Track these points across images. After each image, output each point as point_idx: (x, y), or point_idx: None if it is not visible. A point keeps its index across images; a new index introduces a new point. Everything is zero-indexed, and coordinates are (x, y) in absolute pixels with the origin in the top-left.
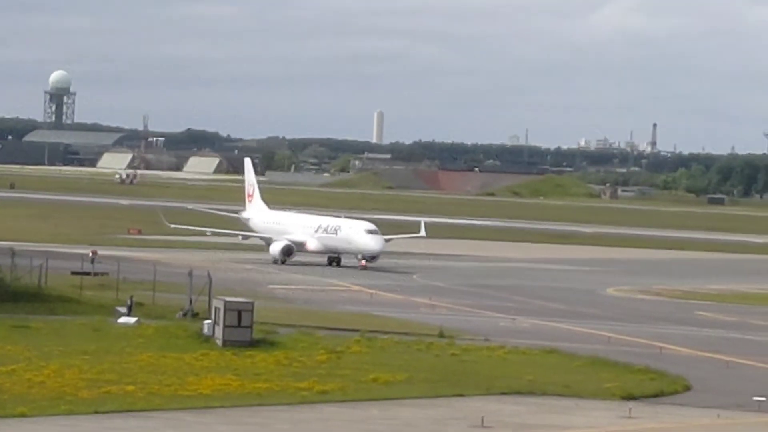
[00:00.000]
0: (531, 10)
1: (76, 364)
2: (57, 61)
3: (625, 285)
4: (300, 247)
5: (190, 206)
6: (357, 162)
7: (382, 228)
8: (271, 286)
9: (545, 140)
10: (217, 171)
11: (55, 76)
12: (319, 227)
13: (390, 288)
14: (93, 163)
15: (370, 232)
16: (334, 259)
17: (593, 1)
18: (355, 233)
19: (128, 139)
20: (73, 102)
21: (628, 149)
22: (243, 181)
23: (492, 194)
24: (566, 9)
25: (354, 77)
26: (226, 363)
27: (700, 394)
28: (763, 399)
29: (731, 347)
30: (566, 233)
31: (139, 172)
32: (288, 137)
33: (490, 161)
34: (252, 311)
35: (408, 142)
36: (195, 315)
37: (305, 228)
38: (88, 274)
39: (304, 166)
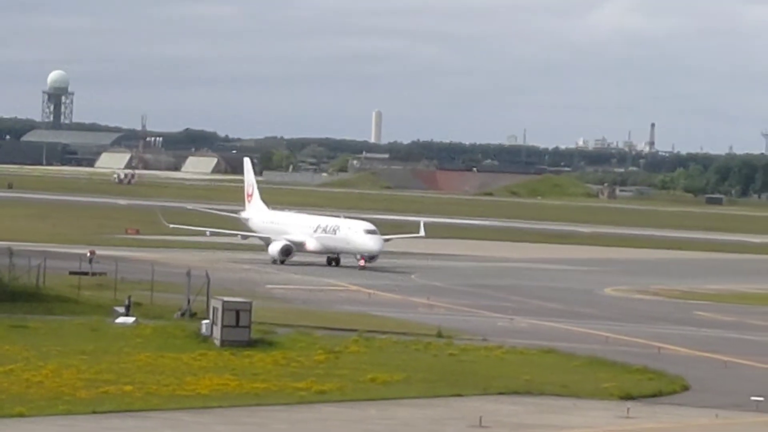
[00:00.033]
0: (529, 10)
1: (74, 364)
2: (55, 61)
3: (623, 285)
4: (299, 247)
5: (189, 206)
6: (355, 162)
7: (381, 228)
8: (269, 286)
9: (543, 140)
10: (215, 171)
11: (54, 75)
12: (318, 227)
13: (388, 288)
14: (91, 163)
15: (369, 232)
16: (333, 259)
17: (592, 1)
18: (354, 233)
19: (126, 138)
20: (71, 102)
21: (626, 149)
22: (241, 181)
23: (490, 194)
24: (565, 9)
25: (352, 77)
26: (224, 363)
27: (699, 394)
28: (761, 399)
29: (729, 347)
30: (564, 233)
31: (137, 172)
32: (286, 137)
33: (488, 161)
34: (250, 311)
35: (406, 141)
36: (193, 315)
37: (304, 228)
38: (86, 274)
39: (303, 166)
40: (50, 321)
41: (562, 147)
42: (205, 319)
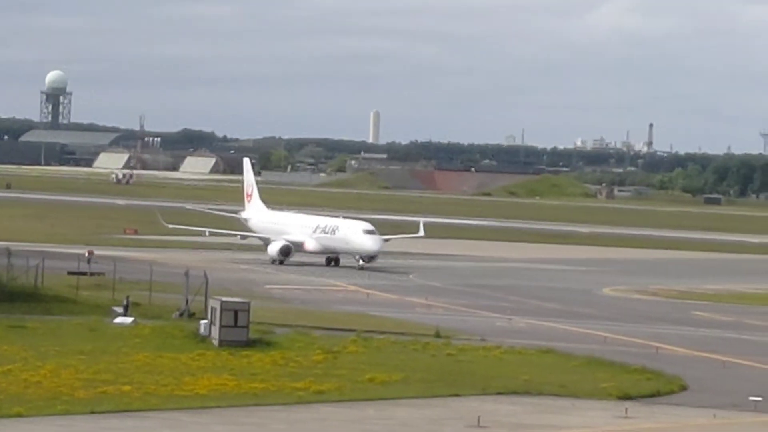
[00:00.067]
0: (527, 10)
1: (73, 364)
2: (53, 61)
3: (622, 285)
4: (298, 247)
5: (189, 206)
6: (353, 162)
7: (379, 228)
8: (267, 286)
9: (541, 140)
10: (213, 171)
11: (52, 76)
12: (317, 227)
13: (386, 288)
14: (89, 163)
15: (368, 232)
16: (332, 259)
17: (590, 1)
18: (353, 233)
19: (124, 139)
20: (70, 102)
21: (625, 149)
22: (239, 181)
23: (488, 194)
24: (563, 9)
25: (350, 77)
26: (222, 363)
27: (697, 394)
28: (759, 399)
29: (728, 347)
30: (562, 233)
31: (135, 172)
32: (284, 137)
33: (487, 161)
34: (248, 311)
35: (404, 142)
36: (191, 315)
37: (303, 228)
38: (84, 274)
39: (301, 166)
40: (48, 321)
41: (561, 147)
42: (203, 319)
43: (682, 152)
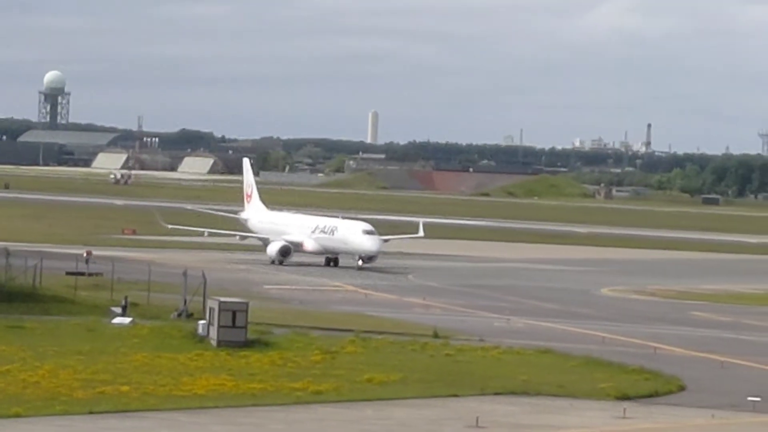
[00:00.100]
0: (525, 10)
1: (71, 364)
2: (51, 61)
3: (620, 285)
4: (297, 247)
5: (189, 206)
6: (351, 162)
7: (378, 228)
8: (266, 287)
9: (540, 140)
10: (211, 171)
11: (50, 76)
12: (317, 228)
13: (385, 288)
14: (87, 163)
15: (367, 232)
16: (332, 259)
17: (588, 1)
18: (352, 234)
19: (123, 139)
20: (68, 102)
21: (623, 149)
22: (237, 182)
23: (486, 194)
24: (562, 9)
25: (348, 77)
26: (220, 363)
27: (695, 394)
28: (757, 399)
29: (726, 347)
30: (561, 233)
31: (133, 172)
32: (283, 137)
33: (485, 161)
34: (246, 311)
35: (402, 142)
36: (189, 315)
37: (302, 228)
38: (82, 274)
39: (299, 167)
40: (47, 321)
41: (559, 147)
42: (201, 319)
43: (680, 152)
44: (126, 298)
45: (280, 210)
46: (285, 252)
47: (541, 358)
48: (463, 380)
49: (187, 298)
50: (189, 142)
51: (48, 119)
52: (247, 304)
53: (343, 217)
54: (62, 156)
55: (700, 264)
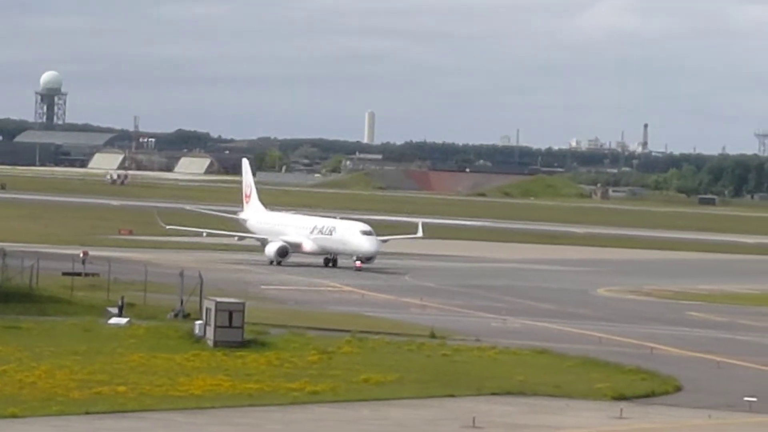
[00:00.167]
0: (522, 10)
1: (67, 364)
2: (48, 62)
3: (616, 285)
4: (296, 248)
5: (188, 207)
6: (348, 162)
7: (375, 228)
8: (262, 287)
9: (536, 141)
10: (208, 171)
11: (46, 76)
12: (315, 228)
13: (381, 288)
14: (84, 163)
15: (365, 233)
16: (330, 260)
17: (585, 1)
18: (350, 234)
19: (119, 139)
20: (64, 102)
21: (619, 149)
22: (235, 182)
23: (483, 195)
24: (558, 9)
25: (345, 78)
26: (217, 363)
27: (691, 394)
28: (754, 399)
29: (722, 347)
30: (557, 234)
31: (130, 172)
32: (279, 138)
33: (481, 161)
34: (243, 312)
35: (399, 142)
36: (186, 315)
37: (301, 229)
38: (79, 274)
39: (295, 167)
40: (43, 322)
41: (555, 148)
42: (198, 319)
43: (676, 152)
44: (122, 298)
45: (279, 210)
46: (283, 252)
47: (538, 359)
48: (460, 380)
49: (184, 299)
50: (185, 142)
51: (45, 119)
52: (243, 304)
53: (341, 218)
54: (59, 156)
55: (696, 264)
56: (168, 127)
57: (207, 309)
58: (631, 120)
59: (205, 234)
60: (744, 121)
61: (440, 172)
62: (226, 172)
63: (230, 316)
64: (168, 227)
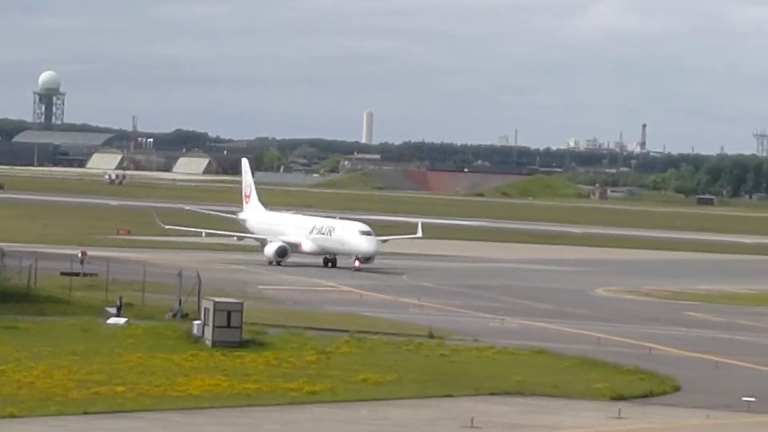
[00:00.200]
0: (522, 10)
1: (66, 364)
2: (46, 62)
3: (615, 285)
4: (295, 248)
5: (187, 207)
6: (346, 162)
7: (374, 228)
8: (260, 287)
9: (534, 141)
10: (206, 172)
11: (45, 76)
12: (314, 228)
13: (380, 288)
14: (82, 163)
15: (364, 233)
16: (330, 260)
17: (585, 1)
18: (349, 234)
19: (117, 139)
20: (63, 102)
21: (618, 150)
22: (233, 182)
23: (481, 195)
24: (558, 8)
25: (343, 78)
26: (215, 363)
27: (690, 394)
28: (752, 399)
29: (720, 348)
30: (555, 234)
31: (128, 172)
32: (277, 138)
33: (480, 162)
34: (241, 312)
35: (397, 142)
36: (184, 316)
37: (300, 229)
38: (77, 274)
39: (294, 167)
40: (41, 322)
41: (554, 148)
42: (196, 319)
43: (675, 153)
44: (121, 298)
45: (279, 210)
46: (282, 253)
47: (536, 359)
48: (458, 380)
49: (182, 299)
50: (184, 142)
51: (43, 119)
52: (242, 304)
53: (341, 218)
54: (57, 156)
55: (694, 264)
56: (166, 127)
57: (205, 309)
58: (630, 120)
59: (204, 234)
60: (742, 122)
61: (438, 172)
62: (225, 173)
63: (228, 316)
64: (167, 227)
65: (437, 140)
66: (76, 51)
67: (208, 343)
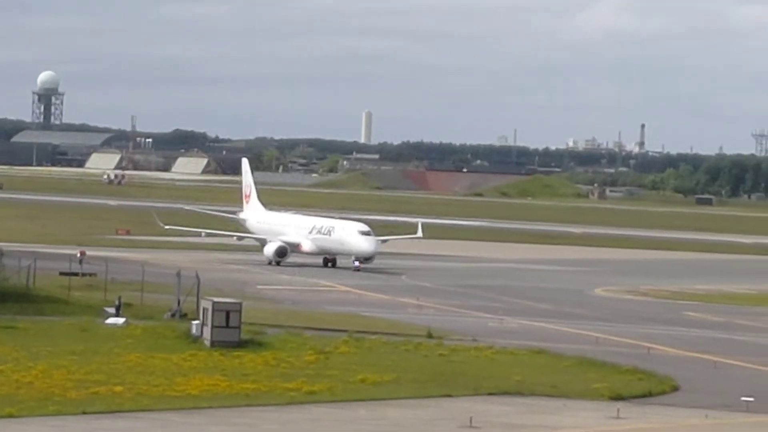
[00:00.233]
0: (522, 10)
1: (64, 364)
2: (45, 62)
3: (613, 285)
4: (294, 248)
5: (187, 207)
6: (345, 162)
7: (374, 228)
8: (259, 287)
9: (533, 140)
10: (205, 171)
11: (44, 76)
12: (313, 228)
13: (378, 288)
14: (81, 163)
15: (364, 233)
16: (329, 260)
17: (585, 1)
18: (348, 234)
19: (116, 139)
20: (62, 102)
21: (616, 149)
22: (233, 182)
23: (480, 194)
24: (558, 9)
25: (342, 78)
26: (214, 363)
27: (688, 394)
28: (751, 399)
29: (719, 347)
30: (554, 234)
31: (127, 172)
32: (276, 137)
33: (479, 161)
34: (240, 312)
35: (396, 142)
36: (183, 315)
37: (299, 229)
38: (76, 274)
39: (293, 167)
40: (40, 322)
41: (553, 147)
42: (195, 319)
43: (673, 152)
44: (119, 298)
45: (279, 210)
46: (281, 253)
47: (535, 359)
48: (457, 380)
49: (181, 299)
50: (182, 142)
51: (42, 119)
52: (240, 304)
53: (340, 218)
54: (56, 156)
55: (693, 264)
56: (165, 127)
57: (204, 309)
58: (629, 120)
59: (203, 234)
60: (741, 121)
61: (437, 172)
62: (223, 172)
63: (227, 316)
64: (167, 227)
65: (436, 140)
66: (76, 51)
67: (207, 343)
